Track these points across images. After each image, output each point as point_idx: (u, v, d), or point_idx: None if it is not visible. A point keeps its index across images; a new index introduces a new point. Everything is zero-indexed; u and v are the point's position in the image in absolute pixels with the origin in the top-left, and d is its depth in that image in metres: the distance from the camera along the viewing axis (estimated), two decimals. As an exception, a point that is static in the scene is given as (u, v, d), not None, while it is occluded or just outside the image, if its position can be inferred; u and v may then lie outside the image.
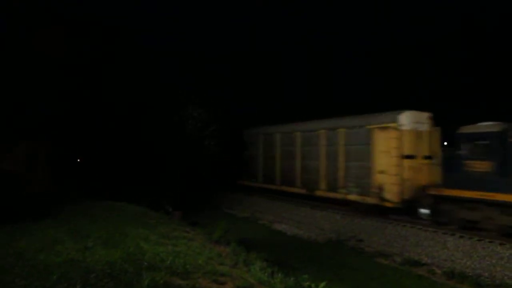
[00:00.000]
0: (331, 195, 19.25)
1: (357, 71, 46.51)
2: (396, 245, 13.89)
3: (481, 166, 12.93)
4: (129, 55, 23.43)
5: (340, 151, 18.76)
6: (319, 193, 20.10)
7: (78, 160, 22.83)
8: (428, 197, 14.83)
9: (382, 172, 16.45)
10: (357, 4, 56.87)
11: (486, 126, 13.46)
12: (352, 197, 17.85)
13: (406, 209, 15.81)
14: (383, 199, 16.30)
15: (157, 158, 21.03)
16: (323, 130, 20.06)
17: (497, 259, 11.44)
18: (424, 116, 16.45)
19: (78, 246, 7.77)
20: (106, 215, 11.88)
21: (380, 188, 16.41)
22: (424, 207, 15.04)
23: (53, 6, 19.89)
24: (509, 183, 12.14)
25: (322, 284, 7.42)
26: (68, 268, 6.36)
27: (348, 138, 18.45)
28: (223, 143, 24.73)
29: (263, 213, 20.87)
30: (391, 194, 15.97)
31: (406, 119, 16.12)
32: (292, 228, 17.66)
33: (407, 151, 15.86)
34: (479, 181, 12.94)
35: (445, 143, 19.31)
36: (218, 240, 11.27)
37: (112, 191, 18.16)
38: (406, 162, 15.79)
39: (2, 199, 13.17)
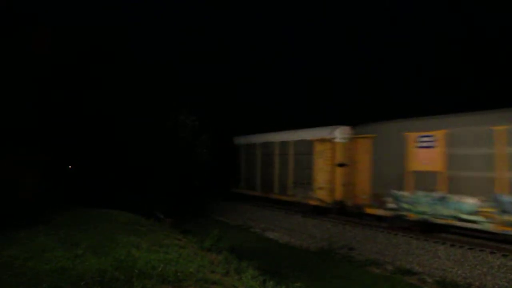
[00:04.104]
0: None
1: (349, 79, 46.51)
2: (388, 253, 13.93)
3: None
4: (120, 58, 23.33)
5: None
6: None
7: (69, 167, 22.66)
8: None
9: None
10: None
11: None
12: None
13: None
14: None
15: (149, 165, 20.93)
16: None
17: (488, 268, 11.51)
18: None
19: (68, 253, 7.69)
20: (97, 223, 11.77)
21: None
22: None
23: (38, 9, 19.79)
24: None
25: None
26: (58, 276, 6.30)
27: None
28: (215, 150, 24.73)
29: (256, 221, 20.84)
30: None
31: (339, 133, 18.50)
32: (284, 236, 17.66)
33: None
34: None
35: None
36: (210, 248, 11.24)
37: (103, 198, 18.03)
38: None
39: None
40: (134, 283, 6.14)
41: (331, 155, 18.60)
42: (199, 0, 63.67)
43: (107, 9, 33.74)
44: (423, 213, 14.25)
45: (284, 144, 22.17)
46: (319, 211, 19.31)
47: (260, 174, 24.41)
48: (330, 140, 18.71)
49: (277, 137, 23.11)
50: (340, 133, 18.48)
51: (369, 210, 16.45)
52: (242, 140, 27.16)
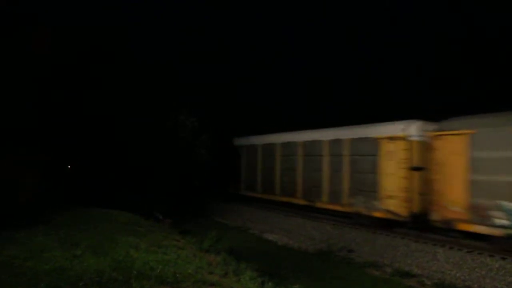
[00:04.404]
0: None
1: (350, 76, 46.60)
2: (387, 255, 13.92)
3: None
4: (120, 58, 23.34)
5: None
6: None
7: (68, 167, 22.67)
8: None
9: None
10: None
11: None
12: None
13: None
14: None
15: (149, 165, 20.95)
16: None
17: (487, 271, 11.51)
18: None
19: (67, 254, 7.70)
20: (96, 223, 11.80)
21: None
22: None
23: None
24: None
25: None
26: (57, 276, 6.32)
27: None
28: (215, 151, 24.73)
29: (254, 223, 20.83)
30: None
31: (416, 129, 15.45)
32: (283, 238, 17.66)
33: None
34: None
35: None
36: (209, 249, 11.24)
37: (103, 198, 18.05)
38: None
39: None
40: (133, 284, 6.15)
41: (405, 156, 15.25)
42: (199, 0, 63.81)
43: (107, 9, 33.76)
44: None
45: (336, 143, 18.53)
46: (388, 224, 16.07)
47: (302, 178, 20.62)
48: (404, 138, 15.39)
49: (325, 134, 19.35)
50: (417, 129, 15.34)
51: (464, 227, 13.22)
52: (271, 138, 23.71)
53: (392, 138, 15.92)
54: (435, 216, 14.17)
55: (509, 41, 34.62)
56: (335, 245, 15.42)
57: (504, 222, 12.11)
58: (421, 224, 14.91)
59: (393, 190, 15.59)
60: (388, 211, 15.75)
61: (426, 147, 15.02)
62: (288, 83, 50.40)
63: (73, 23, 21.94)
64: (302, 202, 20.51)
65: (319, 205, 19.34)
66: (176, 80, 27.70)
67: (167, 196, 20.39)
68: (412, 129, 15.45)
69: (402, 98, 34.69)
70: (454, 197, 13.61)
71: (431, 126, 15.16)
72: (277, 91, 46.69)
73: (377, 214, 16.23)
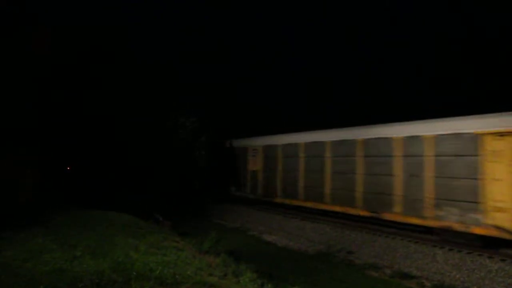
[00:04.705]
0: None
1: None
2: (386, 257, 13.92)
3: None
4: (120, 58, 23.36)
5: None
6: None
7: (68, 168, 22.68)
8: None
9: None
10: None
11: None
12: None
13: None
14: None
15: (149, 165, 20.97)
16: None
17: (486, 272, 11.51)
18: None
19: (66, 255, 7.71)
20: (95, 224, 11.80)
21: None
22: None
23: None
24: None
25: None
26: (56, 277, 6.32)
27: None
28: (215, 153, 24.72)
29: (254, 224, 20.82)
30: None
31: None
32: (282, 239, 17.64)
33: None
34: None
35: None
36: (208, 250, 11.25)
37: (103, 199, 18.06)
38: None
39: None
40: (132, 285, 6.15)
41: None
42: (199, 0, 63.81)
43: (107, 9, 33.76)
44: None
45: (413, 141, 15.33)
46: (494, 244, 12.93)
47: (363, 185, 17.24)
48: None
49: (396, 130, 16.17)
50: None
51: None
52: (317, 135, 20.33)
53: (501, 134, 12.65)
54: None
55: (509, 41, 34.66)
56: (334, 247, 15.42)
57: None
58: None
59: (506, 201, 12.36)
60: (497, 228, 12.48)
61: None
62: (288, 83, 50.42)
63: (73, 23, 21.97)
64: (362, 212, 17.21)
65: (387, 216, 16.09)
66: (176, 80, 27.70)
67: (167, 197, 20.41)
68: None
69: (402, 98, 34.74)
70: None
71: None
72: (277, 91, 46.72)
73: (479, 231, 12.99)
